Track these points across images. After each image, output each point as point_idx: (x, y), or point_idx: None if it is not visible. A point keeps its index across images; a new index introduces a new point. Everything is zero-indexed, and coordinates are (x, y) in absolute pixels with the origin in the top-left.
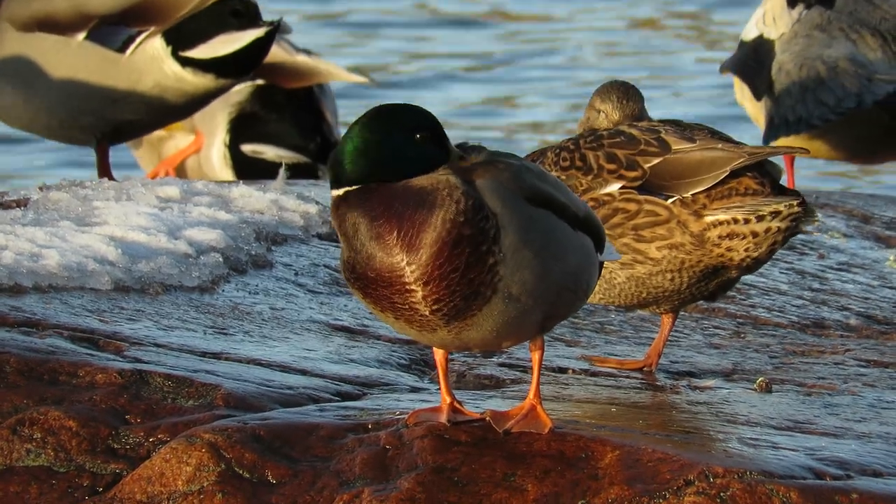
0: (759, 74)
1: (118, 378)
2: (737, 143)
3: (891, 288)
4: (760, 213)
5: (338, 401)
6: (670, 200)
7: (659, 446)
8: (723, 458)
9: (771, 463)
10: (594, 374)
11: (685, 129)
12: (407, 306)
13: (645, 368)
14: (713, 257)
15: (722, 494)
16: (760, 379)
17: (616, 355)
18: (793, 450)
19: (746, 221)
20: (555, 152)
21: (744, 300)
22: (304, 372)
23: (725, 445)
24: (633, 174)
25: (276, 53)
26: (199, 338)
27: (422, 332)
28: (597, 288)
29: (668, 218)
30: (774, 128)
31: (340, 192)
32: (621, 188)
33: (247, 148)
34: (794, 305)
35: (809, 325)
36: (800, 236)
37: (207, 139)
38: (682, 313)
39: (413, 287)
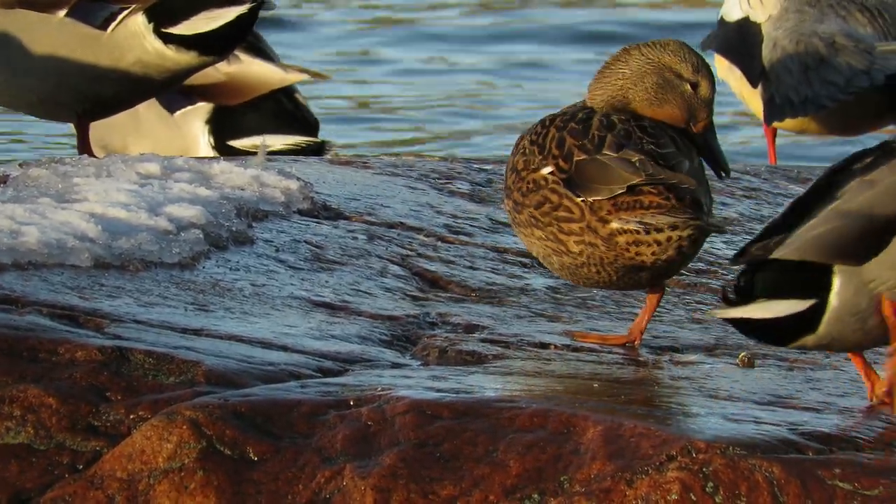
0: (750, 54)
1: (98, 355)
2: (661, 158)
3: None
4: (658, 226)
5: (319, 377)
6: (580, 199)
7: (641, 422)
8: (705, 433)
9: (753, 437)
10: (576, 350)
11: (651, 131)
12: None
13: (627, 344)
14: (626, 258)
15: (704, 469)
16: (743, 354)
17: (598, 330)
18: (775, 424)
19: (647, 232)
20: (536, 125)
21: (726, 275)
22: (285, 348)
23: (708, 420)
24: (565, 165)
25: (224, 68)
26: (179, 314)
27: None
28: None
29: (580, 217)
30: (777, 109)
31: None
32: (551, 173)
33: (241, 143)
34: None
35: None
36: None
37: (192, 150)
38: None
39: None
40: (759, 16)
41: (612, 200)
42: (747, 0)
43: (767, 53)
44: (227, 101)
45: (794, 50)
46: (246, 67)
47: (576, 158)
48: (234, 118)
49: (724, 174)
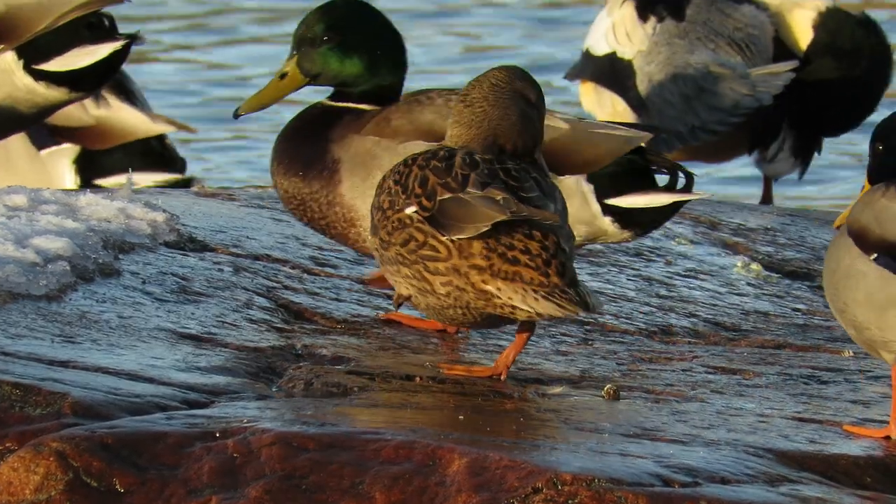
0: (625, 86)
1: None
2: (526, 201)
3: (738, 294)
4: (541, 312)
5: (185, 409)
6: (445, 237)
7: (507, 453)
8: (571, 466)
9: (619, 470)
10: (442, 382)
11: (515, 174)
12: None
13: (493, 377)
14: (499, 313)
15: (570, 501)
16: (608, 386)
17: (464, 362)
18: (641, 457)
19: (527, 305)
20: (399, 164)
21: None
22: (151, 380)
23: (574, 453)
24: (428, 204)
25: (93, 113)
26: (46, 346)
27: None
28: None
29: (446, 256)
30: (664, 141)
31: None
32: (416, 212)
33: (108, 182)
34: (641, 312)
35: (657, 332)
36: (647, 242)
37: (59, 187)
38: None
39: None
40: (626, 52)
41: (487, 254)
42: (614, 35)
43: (643, 89)
44: (92, 146)
45: (671, 82)
46: (114, 113)
47: (439, 197)
48: (100, 157)
49: None
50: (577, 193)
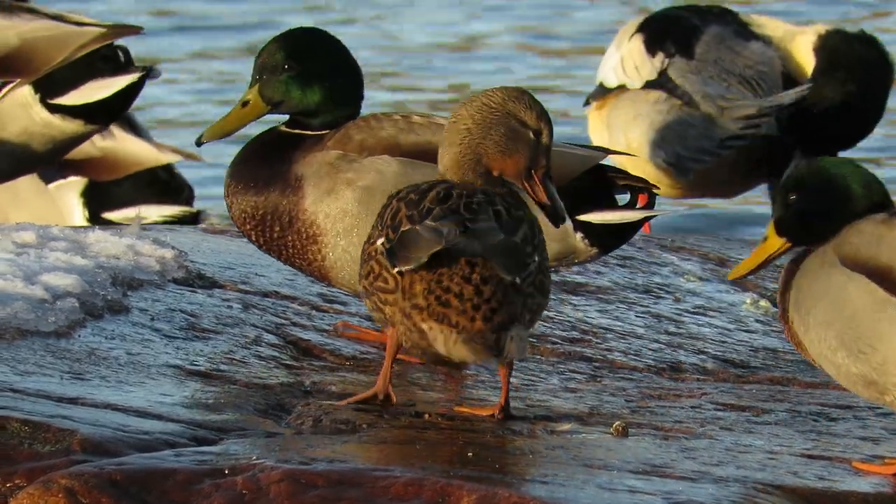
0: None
1: None
2: (473, 232)
3: (747, 331)
4: (457, 359)
5: (194, 446)
6: (395, 270)
7: (515, 490)
8: (580, 502)
9: None
10: (451, 419)
11: (476, 206)
12: None
13: (495, 415)
14: (433, 348)
15: None
16: (617, 423)
17: (471, 399)
18: (650, 494)
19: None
20: (388, 197)
21: (600, 344)
22: (160, 417)
23: (582, 489)
24: (392, 236)
25: (100, 145)
26: (55, 383)
27: None
28: None
29: (394, 288)
30: (688, 159)
31: None
32: (383, 243)
33: (116, 215)
34: (650, 349)
35: (666, 369)
36: (656, 279)
37: (68, 222)
38: (539, 357)
39: None
40: (636, 86)
41: (426, 288)
42: (622, 68)
43: (659, 119)
44: (99, 177)
45: (687, 109)
46: (120, 144)
47: (402, 228)
48: (108, 189)
49: (558, 223)
50: None
